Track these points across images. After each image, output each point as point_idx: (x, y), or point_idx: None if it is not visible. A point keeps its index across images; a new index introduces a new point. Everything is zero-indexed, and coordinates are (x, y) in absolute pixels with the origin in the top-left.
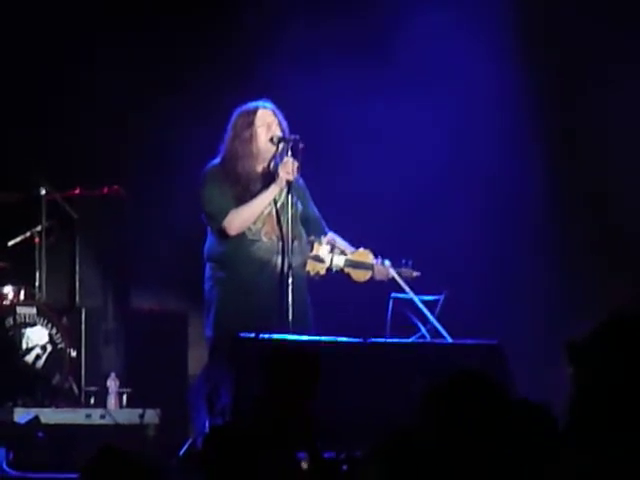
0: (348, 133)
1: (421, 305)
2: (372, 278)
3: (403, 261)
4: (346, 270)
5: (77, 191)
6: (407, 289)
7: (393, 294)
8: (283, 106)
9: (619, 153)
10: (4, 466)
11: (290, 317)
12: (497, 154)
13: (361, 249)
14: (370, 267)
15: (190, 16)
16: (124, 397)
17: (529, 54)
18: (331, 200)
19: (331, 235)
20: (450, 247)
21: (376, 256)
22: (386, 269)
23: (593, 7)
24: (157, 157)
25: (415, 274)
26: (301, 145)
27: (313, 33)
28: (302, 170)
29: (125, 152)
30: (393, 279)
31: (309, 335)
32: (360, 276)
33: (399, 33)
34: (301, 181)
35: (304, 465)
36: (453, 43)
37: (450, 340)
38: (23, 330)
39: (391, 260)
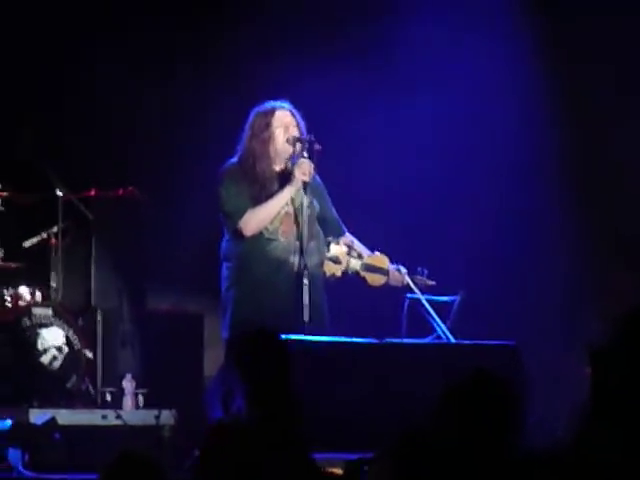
0: (356, 137)
1: (430, 309)
2: (387, 283)
3: (419, 269)
4: (362, 274)
5: (92, 192)
6: (421, 297)
7: (409, 294)
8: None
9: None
10: (20, 467)
11: (306, 317)
12: (511, 154)
13: (378, 253)
14: (386, 272)
15: (196, 18)
16: (140, 398)
17: (541, 40)
18: (343, 204)
19: (349, 237)
20: (465, 248)
21: (392, 262)
22: (401, 276)
23: None
24: (173, 158)
25: (430, 283)
26: (317, 146)
27: (327, 34)
28: (318, 171)
29: (140, 153)
30: (408, 286)
31: (325, 336)
32: (375, 280)
33: (407, 28)
34: (319, 181)
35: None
36: (461, 38)
37: (458, 341)
38: (39, 331)
39: (407, 267)
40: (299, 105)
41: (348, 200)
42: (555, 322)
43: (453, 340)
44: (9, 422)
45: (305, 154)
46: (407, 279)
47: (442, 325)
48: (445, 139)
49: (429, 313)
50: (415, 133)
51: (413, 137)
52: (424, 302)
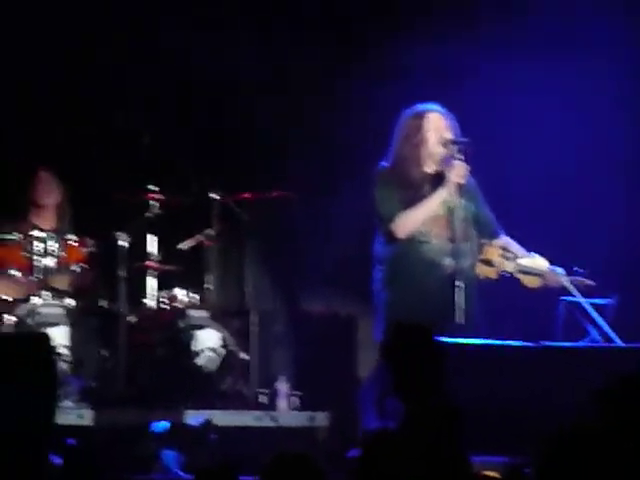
0: (509, 137)
1: (590, 310)
2: (543, 285)
3: (575, 269)
4: (516, 276)
5: (248, 195)
6: (579, 298)
7: (563, 297)
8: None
9: None
10: (176, 469)
11: (459, 320)
12: None
13: (535, 255)
14: (542, 274)
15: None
16: (294, 400)
17: None
18: (500, 205)
19: (504, 239)
20: (622, 248)
21: (551, 263)
22: (558, 277)
23: None
24: (327, 159)
25: (588, 283)
26: (471, 148)
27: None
28: (472, 173)
29: (295, 155)
30: (564, 288)
31: (477, 338)
32: (530, 282)
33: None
34: (473, 182)
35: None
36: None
37: (622, 344)
38: (194, 332)
39: (565, 268)
40: (452, 104)
41: (505, 201)
42: None
43: (616, 342)
44: (167, 424)
45: (459, 156)
46: (564, 281)
47: (605, 327)
48: (601, 139)
49: (588, 315)
50: (569, 134)
51: (566, 137)
52: (583, 304)
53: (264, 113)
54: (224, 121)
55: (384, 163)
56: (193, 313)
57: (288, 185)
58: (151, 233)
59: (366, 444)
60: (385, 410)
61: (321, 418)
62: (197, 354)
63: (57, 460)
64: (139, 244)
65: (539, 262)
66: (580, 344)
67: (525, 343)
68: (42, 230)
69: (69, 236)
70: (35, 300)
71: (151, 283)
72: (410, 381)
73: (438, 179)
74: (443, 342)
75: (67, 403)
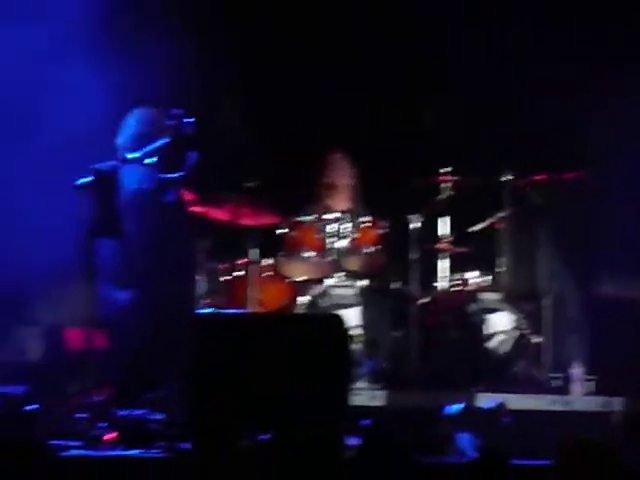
0: None
1: None
2: None
3: None
4: None
5: (542, 176)
6: None
7: None
8: None
9: None
10: (470, 452)
11: None
12: None
13: None
14: None
15: None
16: (589, 385)
17: None
18: None
19: None
20: None
21: None
22: None
23: None
24: (622, 138)
25: None
26: None
27: None
28: None
29: (590, 136)
30: None
31: None
32: None
33: None
34: None
35: None
36: None
37: None
38: (487, 316)
39: None
40: None
41: None
42: None
43: None
44: (461, 406)
45: None
46: None
47: None
48: None
49: None
50: None
51: None
52: None
53: (556, 97)
54: (518, 103)
55: None
56: (485, 296)
57: (584, 166)
58: (443, 215)
59: None
60: None
61: (617, 403)
62: (489, 337)
63: (353, 440)
64: (431, 226)
65: None
66: None
67: None
68: (336, 211)
69: (362, 218)
70: (328, 281)
71: (443, 265)
72: None
73: None
74: None
75: (360, 384)
